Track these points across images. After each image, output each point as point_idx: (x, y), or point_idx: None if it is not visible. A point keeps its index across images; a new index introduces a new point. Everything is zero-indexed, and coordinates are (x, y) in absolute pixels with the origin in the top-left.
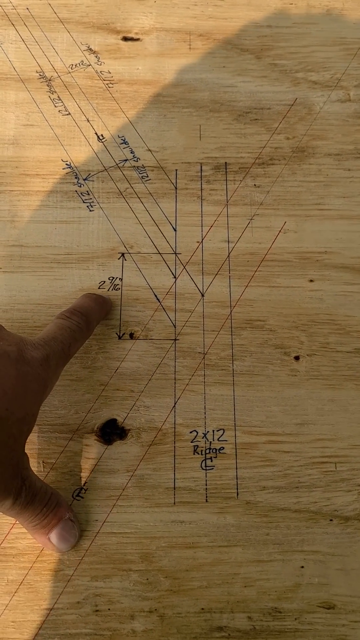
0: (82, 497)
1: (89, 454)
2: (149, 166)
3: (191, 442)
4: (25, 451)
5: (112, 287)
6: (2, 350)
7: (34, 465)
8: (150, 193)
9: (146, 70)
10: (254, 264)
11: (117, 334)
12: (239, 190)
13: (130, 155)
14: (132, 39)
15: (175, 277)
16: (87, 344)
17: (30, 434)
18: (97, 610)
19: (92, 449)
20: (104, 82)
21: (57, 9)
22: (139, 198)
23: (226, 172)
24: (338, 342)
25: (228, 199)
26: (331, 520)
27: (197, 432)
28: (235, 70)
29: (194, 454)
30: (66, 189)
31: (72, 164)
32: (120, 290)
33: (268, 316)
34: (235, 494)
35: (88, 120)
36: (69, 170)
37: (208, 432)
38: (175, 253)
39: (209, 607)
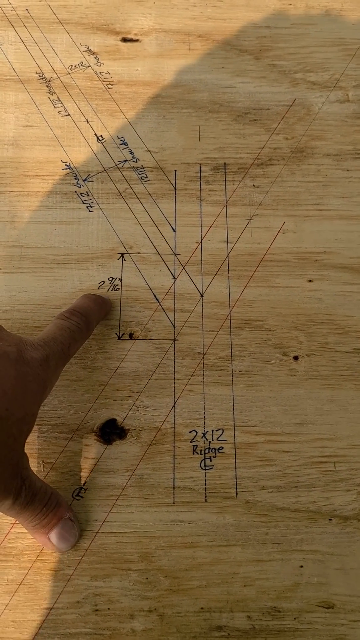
0: (82, 497)
1: (88, 453)
2: (148, 167)
3: (190, 441)
4: (25, 451)
5: (111, 287)
6: (2, 351)
7: (33, 465)
8: (149, 194)
9: (145, 71)
10: (253, 264)
11: (116, 334)
12: (238, 190)
13: (129, 156)
14: (131, 40)
15: (174, 278)
16: (86, 344)
17: (30, 434)
18: (96, 610)
19: (92, 449)
20: (104, 83)
21: (57, 10)
22: (138, 199)
23: (225, 172)
24: (337, 342)
25: (227, 199)
26: (330, 519)
27: (197, 432)
28: (234, 71)
29: (193, 453)
30: (66, 189)
31: (71, 165)
32: (119, 291)
33: (267, 316)
34: (235, 494)
35: (87, 121)
36: (68, 171)
37: (207, 432)
38: (175, 253)
39: (209, 607)
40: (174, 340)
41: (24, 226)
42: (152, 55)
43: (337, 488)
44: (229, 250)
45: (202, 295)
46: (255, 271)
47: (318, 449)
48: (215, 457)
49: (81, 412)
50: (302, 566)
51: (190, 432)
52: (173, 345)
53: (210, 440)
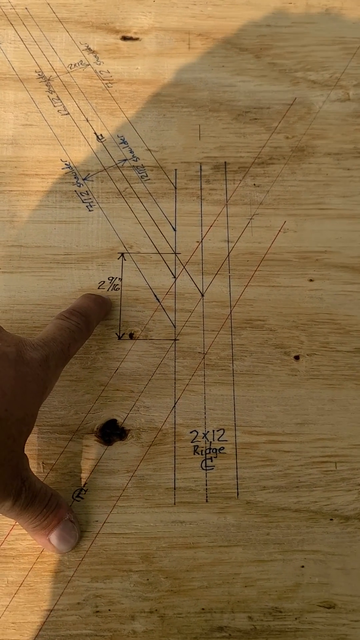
0: (82, 498)
1: (88, 454)
2: (148, 166)
3: (191, 442)
4: (25, 452)
5: (111, 287)
6: (1, 351)
7: (33, 466)
8: (149, 193)
9: (145, 69)
10: (254, 263)
11: (116, 334)
12: (238, 189)
13: (129, 155)
14: (131, 39)
15: (175, 277)
16: (86, 345)
17: (30, 435)
18: (97, 611)
19: (92, 450)
20: (103, 81)
21: (56, 9)
22: (138, 198)
23: (226, 171)
24: (338, 341)
25: (228, 198)
26: (331, 519)
27: (197, 432)
28: (235, 70)
29: (194, 454)
30: (65, 188)
31: (71, 164)
32: (119, 291)
33: (268, 316)
34: (236, 494)
35: (87, 120)
36: (68, 170)
37: (208, 432)
38: (175, 253)
39: (210, 607)
40: (175, 340)
41: (23, 225)
42: (152, 54)
43: (338, 488)
44: (230, 249)
45: (202, 295)
46: (256, 271)
47: (319, 448)
48: (216, 457)
49: (81, 413)
50: (303, 566)
51: (191, 432)
52: (174, 345)
53: (211, 440)
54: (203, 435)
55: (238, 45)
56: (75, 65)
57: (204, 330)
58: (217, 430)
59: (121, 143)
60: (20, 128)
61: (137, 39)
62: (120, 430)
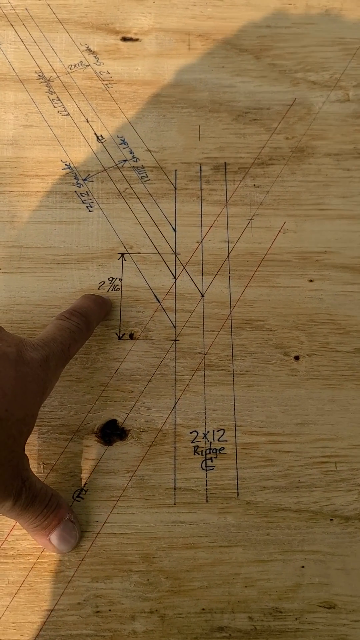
0: (83, 498)
1: (89, 454)
2: (148, 166)
3: (191, 442)
4: (25, 452)
5: (111, 287)
6: (2, 352)
7: (34, 466)
8: (149, 193)
9: (145, 70)
10: (254, 264)
11: (117, 334)
12: (238, 190)
13: (129, 156)
14: (131, 40)
15: (175, 278)
16: (87, 345)
17: (30, 435)
18: (97, 611)
19: (92, 450)
20: (103, 82)
21: (56, 10)
22: (138, 198)
23: (226, 172)
24: (338, 342)
25: (227, 199)
26: (331, 520)
27: (198, 433)
28: (235, 71)
29: (194, 454)
30: (65, 189)
31: (71, 165)
32: (120, 291)
33: (268, 316)
34: (236, 494)
35: (87, 121)
36: (68, 170)
37: (208, 432)
38: (175, 253)
39: (210, 608)
40: (175, 340)
41: (23, 226)
42: (152, 55)
43: (339, 488)
44: (230, 250)
45: (202, 296)
46: (256, 271)
47: (319, 449)
48: (216, 457)
49: (81, 413)
50: (303, 566)
51: (191, 432)
52: (174, 345)
53: (211, 440)
54: (203, 435)
55: (238, 46)
56: (75, 66)
57: (204, 330)
58: (217, 431)
59: (121, 144)
60: (20, 129)
61: (137, 39)
62: (120, 430)
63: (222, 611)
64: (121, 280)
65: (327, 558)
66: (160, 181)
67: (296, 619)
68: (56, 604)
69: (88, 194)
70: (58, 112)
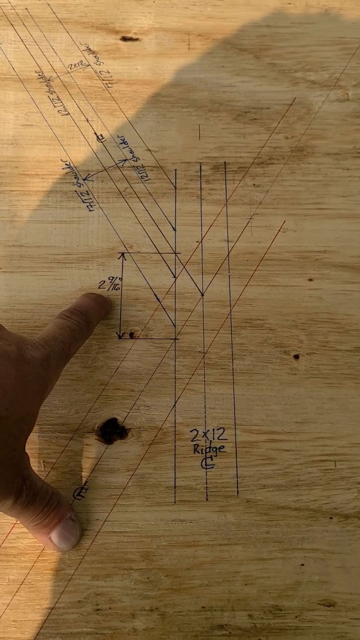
0: (83, 497)
1: (89, 453)
2: (148, 166)
3: (191, 441)
4: (26, 451)
5: (112, 286)
6: (2, 350)
7: (34, 464)
8: (149, 193)
9: (145, 70)
10: (254, 263)
11: (117, 333)
12: (238, 189)
13: (129, 155)
14: (131, 39)
15: (175, 277)
16: (87, 344)
17: (31, 434)
18: (98, 609)
19: (93, 449)
20: (103, 82)
21: (56, 9)
22: (138, 198)
23: (225, 171)
24: (337, 340)
25: (227, 198)
26: (331, 518)
27: (198, 431)
28: (234, 70)
29: (194, 452)
30: (66, 189)
31: (71, 164)
32: (120, 290)
33: (268, 315)
34: (236, 493)
35: (87, 120)
36: (68, 170)
37: (208, 431)
38: (175, 252)
39: (210, 606)
40: (175, 339)
41: (24, 225)
42: (151, 54)
43: (338, 486)
44: (230, 249)
45: (202, 295)
46: (255, 270)
47: (319, 447)
48: (216, 456)
49: (82, 412)
50: (303, 564)
51: (191, 431)
52: (174, 344)
53: (211, 439)
54: (203, 434)
55: (238, 45)
56: (75, 65)
57: (204, 329)
58: (217, 429)
59: (121, 143)
60: (20, 128)
61: (137, 39)
62: (120, 429)
63: (222, 609)
64: (121, 279)
65: (326, 556)
66: (160, 180)
67: (296, 616)
68: (57, 602)
69: (88, 194)
70: (58, 111)
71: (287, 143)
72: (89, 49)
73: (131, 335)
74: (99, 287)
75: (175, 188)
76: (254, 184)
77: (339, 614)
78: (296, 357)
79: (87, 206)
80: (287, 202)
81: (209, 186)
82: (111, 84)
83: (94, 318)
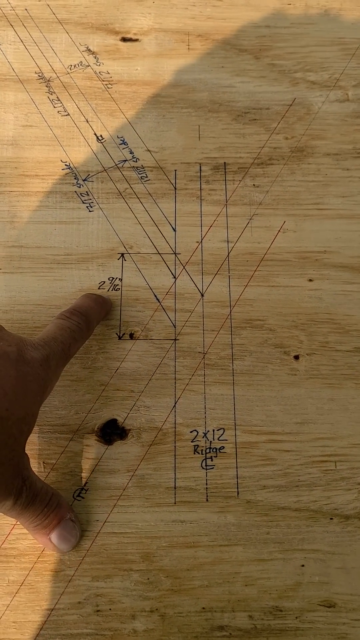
0: (83, 498)
1: (89, 454)
2: (148, 166)
3: (191, 441)
4: (26, 452)
5: (111, 287)
6: (2, 351)
7: (34, 465)
8: (149, 193)
9: (145, 70)
10: (254, 263)
11: (117, 334)
12: (238, 190)
13: (129, 156)
14: (130, 40)
15: (174, 277)
16: (87, 345)
17: (31, 435)
18: (98, 611)
19: (93, 449)
20: (103, 82)
21: (56, 10)
22: (138, 198)
23: (225, 172)
24: (337, 341)
25: (227, 199)
26: (331, 518)
27: (198, 432)
28: (234, 71)
29: (194, 453)
30: (65, 189)
31: (71, 165)
32: (120, 291)
33: (268, 316)
34: (236, 493)
35: (87, 121)
36: (68, 170)
37: (208, 431)
38: (175, 253)
39: (210, 607)
40: (175, 340)
41: (23, 226)
42: (151, 55)
43: (338, 487)
44: (230, 249)
45: (202, 295)
46: (255, 271)
47: (319, 448)
48: (216, 456)
49: (82, 413)
50: (303, 565)
51: (191, 431)
52: (174, 345)
53: (211, 440)
54: (203, 434)
55: (237, 46)
56: (75, 66)
57: (203, 330)
58: (217, 430)
59: (121, 144)
60: (20, 129)
61: (136, 40)
62: (120, 429)
63: (222, 610)
64: (121, 280)
65: (327, 557)
66: (160, 181)
67: (296, 617)
68: (56, 603)
69: (88, 194)
70: (58, 112)
71: (287, 143)
72: (89, 50)
73: (131, 336)
74: (98, 288)
75: (175, 188)
76: (253, 185)
77: (339, 615)
78: (296, 357)
79: (87, 207)
80: (287, 203)
81: (208, 187)
82: (111, 84)
83: (93, 319)
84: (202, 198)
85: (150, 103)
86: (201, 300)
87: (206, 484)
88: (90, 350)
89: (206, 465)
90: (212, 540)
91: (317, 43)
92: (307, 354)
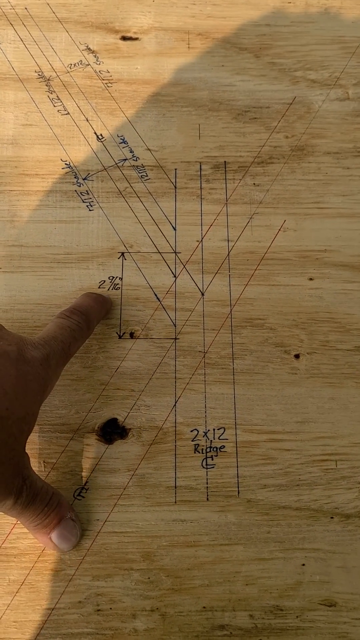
0: (83, 497)
1: (89, 453)
2: (148, 165)
3: (192, 440)
4: (26, 451)
5: (112, 286)
6: (3, 350)
7: (35, 465)
8: (149, 192)
9: (145, 69)
10: (254, 262)
11: (117, 333)
12: (238, 189)
13: (129, 155)
14: (130, 39)
15: (175, 276)
16: (87, 344)
17: (31, 434)
18: (98, 610)
19: (93, 449)
20: (103, 81)
21: (56, 9)
22: (138, 197)
23: (225, 171)
24: (338, 340)
25: (227, 197)
26: (332, 517)
27: (198, 431)
28: (234, 69)
29: (194, 452)
30: (65, 188)
31: (71, 164)
32: (120, 290)
33: (268, 314)
34: (236, 493)
35: (87, 120)
36: (68, 169)
37: (209, 430)
38: (175, 252)
39: (211, 606)
40: (175, 339)
41: (23, 225)
42: (151, 54)
43: (339, 486)
44: (230, 248)
45: (202, 294)
46: (256, 269)
47: (319, 447)
48: (216, 455)
49: (82, 412)
50: (304, 564)
51: (191, 431)
52: (174, 344)
53: (212, 439)
54: (204, 433)
55: (237, 44)
56: (75, 65)
57: (204, 329)
58: (218, 429)
59: (121, 143)
60: (20, 128)
61: (136, 38)
62: (121, 429)
63: (223, 609)
64: (121, 279)
65: (327, 556)
66: (160, 180)
67: (297, 616)
68: (57, 603)
69: (88, 193)
70: (58, 111)
71: (287, 142)
72: (89, 49)
73: (131, 335)
74: (99, 287)
75: (175, 187)
76: (254, 183)
77: (340, 614)
78: (297, 356)
79: (87, 206)
80: (288, 202)
81: (209, 185)
82: (111, 83)
83: (94, 318)
84: (202, 197)
85: (150, 102)
86: (201, 299)
87: (207, 483)
88: (90, 350)
89: (207, 465)
90: (213, 540)
91: (318, 41)
92: (307, 353)
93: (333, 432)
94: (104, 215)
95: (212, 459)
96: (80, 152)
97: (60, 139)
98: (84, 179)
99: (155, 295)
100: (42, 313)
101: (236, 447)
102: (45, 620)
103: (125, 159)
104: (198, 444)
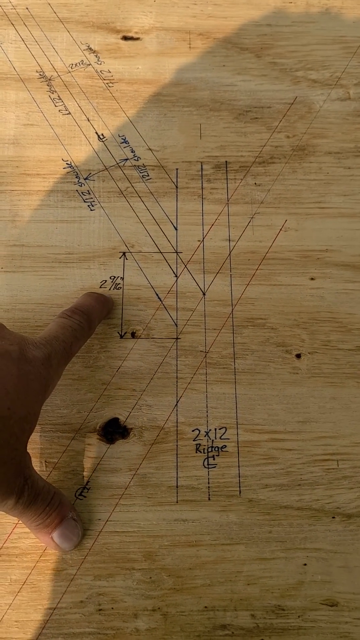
0: (85, 496)
1: (91, 453)
2: (149, 165)
3: (193, 440)
4: (28, 450)
5: (113, 286)
6: (4, 350)
7: (36, 464)
8: (151, 192)
9: (146, 69)
10: (255, 262)
11: (118, 333)
12: (239, 188)
13: (130, 155)
14: (132, 38)
15: (176, 276)
16: (88, 343)
17: (33, 434)
18: (100, 610)
19: (95, 448)
20: (104, 81)
21: (57, 9)
22: (139, 197)
23: (227, 170)
24: (339, 339)
25: (229, 197)
26: (333, 517)
27: (199, 431)
28: (235, 69)
29: (196, 452)
30: (67, 188)
31: (72, 164)
32: (121, 290)
33: (269, 314)
34: (238, 492)
35: (88, 120)
36: (69, 169)
37: (210, 430)
38: (177, 252)
39: (212, 605)
40: (177, 338)
41: (25, 225)
42: (152, 54)
43: (340, 486)
44: (231, 248)
45: (204, 294)
46: (257, 269)
47: (321, 446)
48: (218, 455)
49: (84, 412)
50: (305, 564)
51: (193, 430)
52: (175, 343)
53: (213, 438)
54: (205, 433)
55: (239, 44)
56: (76, 65)
57: (205, 328)
58: (219, 429)
59: (122, 142)
60: (21, 128)
61: (137, 38)
62: (122, 428)
63: (224, 609)
64: (123, 278)
65: (329, 556)
66: (161, 180)
67: (299, 616)
68: (59, 602)
69: (89, 193)
70: (59, 111)
71: (289, 142)
72: (90, 49)
73: (133, 335)
74: (100, 287)
75: (177, 187)
76: (255, 183)
77: (341, 614)
78: (298, 356)
79: (88, 205)
80: (289, 201)
81: (210, 185)
82: (112, 83)
83: (95, 317)
84: (203, 197)
85: (151, 102)
86: (203, 299)
87: (208, 483)
88: (91, 349)
89: (208, 464)
90: (214, 539)
91: (319, 41)
92: (309, 353)
93: (334, 431)
94: (106, 215)
95: (214, 459)
96: (81, 152)
97: (61, 139)
98: (85, 179)
99: (157, 295)
100: (43, 313)
101: (237, 446)
102: (47, 620)
103: (126, 159)
104: (199, 444)
